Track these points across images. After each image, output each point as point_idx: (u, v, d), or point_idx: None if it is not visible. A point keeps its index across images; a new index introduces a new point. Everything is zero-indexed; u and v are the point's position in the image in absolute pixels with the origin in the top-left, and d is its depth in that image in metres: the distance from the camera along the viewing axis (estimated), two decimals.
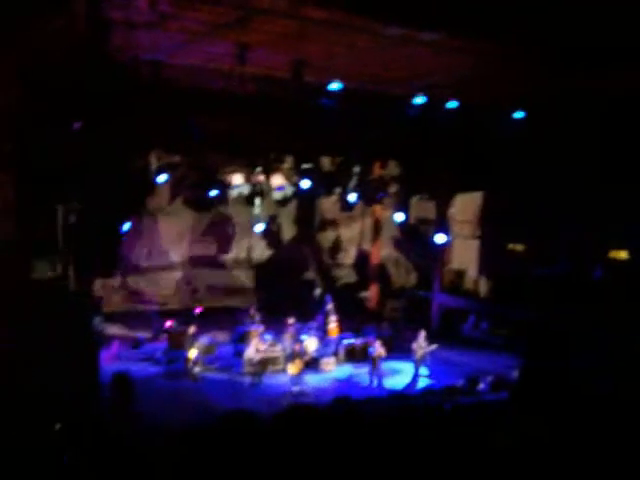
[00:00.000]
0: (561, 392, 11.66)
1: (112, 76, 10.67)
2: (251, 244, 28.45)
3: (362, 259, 30.35)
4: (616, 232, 21.17)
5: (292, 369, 18.54)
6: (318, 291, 26.19)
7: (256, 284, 28.73)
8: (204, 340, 20.29)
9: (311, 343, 20.47)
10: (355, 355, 21.25)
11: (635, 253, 21.84)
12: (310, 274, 28.69)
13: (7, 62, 12.49)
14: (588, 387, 12.33)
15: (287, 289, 27.08)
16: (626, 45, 13.58)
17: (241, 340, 20.91)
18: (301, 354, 19.01)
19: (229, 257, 28.65)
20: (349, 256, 30.95)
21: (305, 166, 21.92)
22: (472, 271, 26.97)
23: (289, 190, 22.23)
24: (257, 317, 21.82)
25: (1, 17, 12.09)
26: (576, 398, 10.91)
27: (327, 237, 30.58)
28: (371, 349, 19.46)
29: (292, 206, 28.36)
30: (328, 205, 28.83)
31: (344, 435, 7.39)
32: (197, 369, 19.02)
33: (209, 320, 22.93)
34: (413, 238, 29.56)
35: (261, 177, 21.61)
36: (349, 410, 10.47)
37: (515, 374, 16.01)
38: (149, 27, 12.64)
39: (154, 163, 20.70)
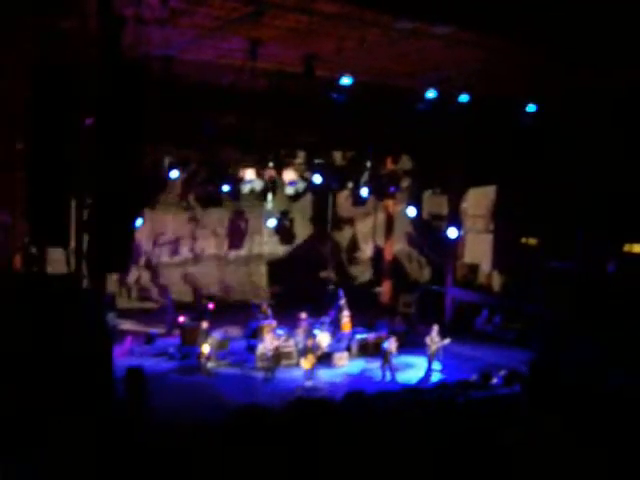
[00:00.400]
0: (572, 387, 11.65)
1: (124, 73, 10.68)
2: (264, 240, 28.48)
3: (376, 254, 30.37)
4: (630, 225, 21.07)
5: (305, 364, 18.57)
6: (331, 286, 26.18)
7: (269, 279, 28.78)
8: (217, 335, 20.33)
9: (324, 338, 20.48)
10: (368, 350, 21.23)
11: None
12: (325, 272, 28.62)
13: (20, 62, 12.57)
14: (599, 381, 12.32)
15: (300, 284, 27.09)
16: (632, 43, 13.55)
17: (254, 335, 20.95)
18: (314, 349, 19.03)
19: (241, 253, 28.70)
20: (365, 253, 30.94)
21: (317, 161, 21.93)
22: (485, 265, 26.90)
23: (301, 185, 22.21)
24: (269, 312, 21.84)
25: (14, 18, 12.17)
26: (588, 393, 10.89)
27: (343, 235, 30.57)
28: (384, 344, 19.45)
29: (305, 201, 28.34)
30: (343, 202, 28.85)
31: (352, 428, 7.41)
32: (210, 364, 19.08)
33: (222, 315, 22.98)
34: (426, 233, 29.54)
35: (273, 172, 21.62)
36: (358, 403, 10.48)
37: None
38: (160, 23, 12.68)
39: (166, 159, 20.78)
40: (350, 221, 30.38)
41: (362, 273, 30.99)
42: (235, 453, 8.27)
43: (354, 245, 30.79)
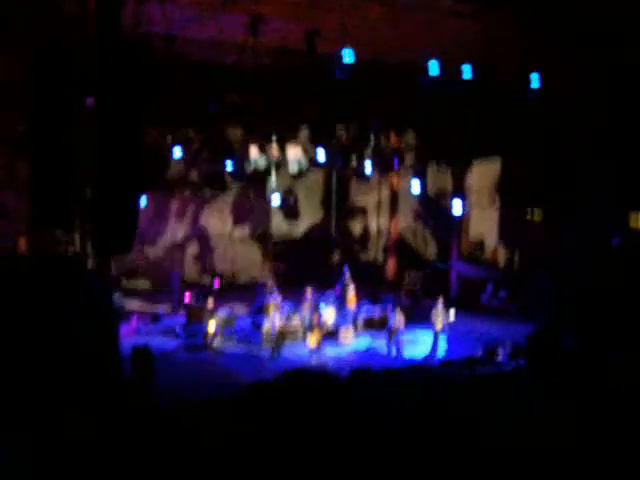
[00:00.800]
0: (572, 354, 11.73)
1: (124, 52, 10.63)
2: (269, 217, 28.43)
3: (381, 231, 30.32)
4: (635, 199, 21.00)
5: (311, 340, 18.63)
6: (336, 260, 26.22)
7: (274, 257, 28.75)
8: (223, 313, 20.38)
9: (329, 313, 20.52)
10: (374, 325, 21.28)
11: None
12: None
13: (21, 47, 12.52)
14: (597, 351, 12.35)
15: (305, 261, 27.07)
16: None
17: (259, 312, 20.99)
18: (320, 325, 19.09)
19: (246, 231, 28.68)
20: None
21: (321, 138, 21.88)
22: (491, 240, 26.85)
23: (305, 162, 22.16)
24: (274, 289, 21.87)
25: (15, 5, 12.11)
26: (585, 361, 10.96)
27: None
28: (390, 319, 19.49)
29: (308, 179, 28.25)
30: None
31: (355, 405, 7.46)
32: (216, 342, 19.16)
33: (228, 293, 23.04)
34: (431, 209, 29.45)
35: (276, 150, 21.56)
36: (364, 381, 10.54)
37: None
38: (161, 1, 12.60)
39: (169, 138, 20.73)
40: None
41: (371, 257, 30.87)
42: (240, 429, 8.32)
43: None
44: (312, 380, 7.66)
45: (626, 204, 21.49)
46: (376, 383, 10.59)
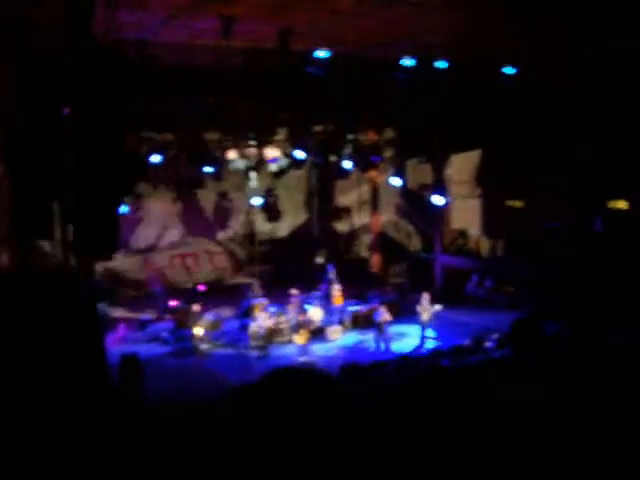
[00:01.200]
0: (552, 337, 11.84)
1: (98, 59, 10.59)
2: (250, 219, 28.40)
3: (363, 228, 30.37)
4: (614, 182, 21.13)
5: (299, 339, 18.65)
6: (320, 259, 26.21)
7: (258, 258, 28.71)
8: (209, 317, 20.37)
9: (316, 313, 20.54)
10: (361, 322, 21.31)
11: (634, 202, 21.83)
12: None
13: None
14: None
15: (290, 261, 27.06)
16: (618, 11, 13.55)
17: (246, 314, 20.98)
18: (306, 324, 19.10)
19: (229, 233, 28.63)
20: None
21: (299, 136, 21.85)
22: (473, 230, 26.96)
23: (284, 161, 22.14)
24: (260, 290, 21.87)
25: None
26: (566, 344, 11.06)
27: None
28: (376, 314, 19.53)
29: (289, 177, 28.22)
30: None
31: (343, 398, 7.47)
32: (204, 346, 19.14)
33: (213, 297, 23.00)
34: (413, 202, 29.52)
35: (255, 151, 21.53)
36: (354, 375, 10.57)
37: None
38: (131, 6, 12.55)
39: (147, 144, 20.64)
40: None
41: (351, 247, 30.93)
42: (230, 429, 8.30)
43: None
44: (300, 376, 7.65)
45: (605, 190, 21.64)
46: (365, 377, 10.63)
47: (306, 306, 20.75)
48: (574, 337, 14.25)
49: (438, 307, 19.60)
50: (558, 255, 21.62)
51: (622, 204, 21.42)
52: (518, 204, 24.79)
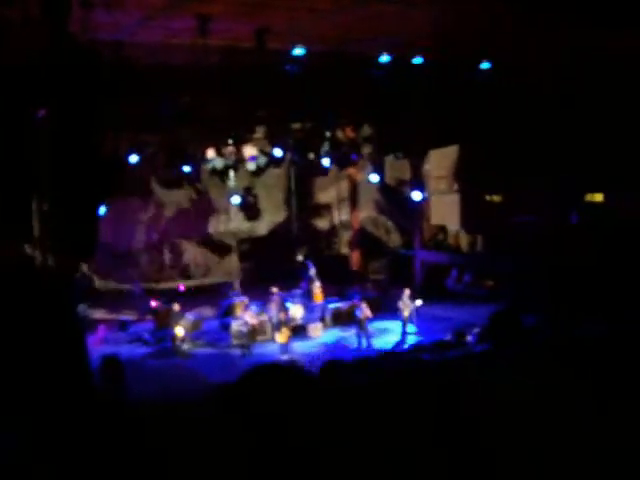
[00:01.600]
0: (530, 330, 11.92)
1: (74, 60, 10.53)
2: (229, 217, 28.37)
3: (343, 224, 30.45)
4: (590, 176, 21.34)
5: (280, 338, 18.66)
6: (300, 256, 26.22)
7: (238, 257, 28.71)
8: (190, 317, 20.35)
9: (297, 310, 20.58)
10: (342, 318, 21.36)
11: (610, 195, 22.06)
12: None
13: None
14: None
15: (270, 259, 27.07)
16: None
17: (227, 313, 20.98)
18: (288, 322, 19.12)
19: (208, 232, 28.58)
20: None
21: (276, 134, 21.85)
22: (453, 226, 27.06)
23: (262, 160, 22.11)
24: (240, 289, 21.86)
25: None
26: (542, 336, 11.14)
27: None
28: (357, 311, 19.58)
29: (267, 176, 28.20)
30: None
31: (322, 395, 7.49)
32: (185, 346, 19.10)
33: (193, 296, 22.96)
34: (392, 198, 29.63)
35: (233, 149, 21.47)
36: (335, 373, 10.59)
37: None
38: (107, 6, 12.49)
39: (124, 144, 20.52)
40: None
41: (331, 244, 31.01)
42: (213, 428, 8.30)
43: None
44: (282, 373, 7.66)
45: (582, 184, 21.85)
46: (347, 373, 10.66)
47: (287, 304, 20.76)
48: (552, 329, 14.35)
49: (418, 302, 19.69)
50: (535, 248, 21.78)
51: (598, 197, 21.66)
52: (496, 199, 24.95)
